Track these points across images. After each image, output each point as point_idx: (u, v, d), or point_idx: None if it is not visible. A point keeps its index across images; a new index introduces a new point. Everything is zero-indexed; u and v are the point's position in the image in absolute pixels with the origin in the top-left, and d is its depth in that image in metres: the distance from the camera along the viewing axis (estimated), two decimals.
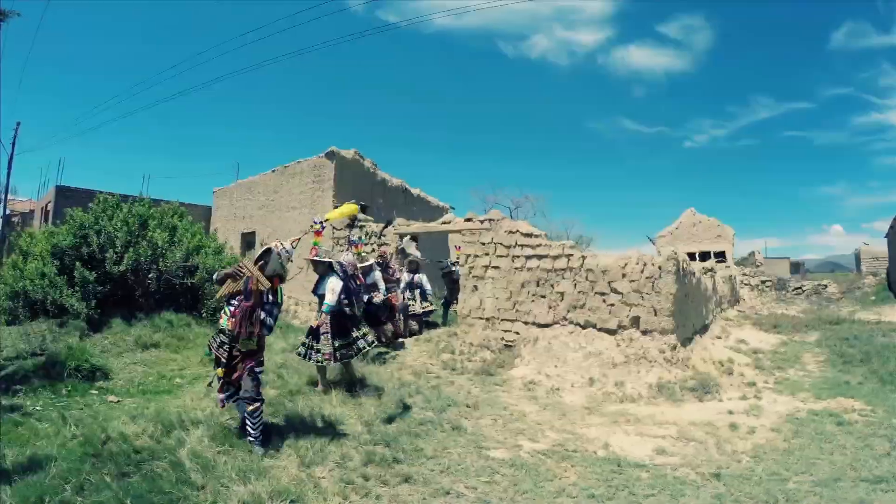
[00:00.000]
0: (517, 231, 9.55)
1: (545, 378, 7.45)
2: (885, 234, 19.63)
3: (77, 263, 6.80)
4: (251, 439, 3.91)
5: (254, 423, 3.93)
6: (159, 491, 3.13)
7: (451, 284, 10.54)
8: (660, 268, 8.03)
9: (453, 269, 10.50)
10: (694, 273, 9.89)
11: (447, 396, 6.06)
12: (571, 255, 8.89)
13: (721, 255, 19.76)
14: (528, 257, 9.27)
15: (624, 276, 8.30)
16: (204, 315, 8.02)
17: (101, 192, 8.01)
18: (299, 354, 5.68)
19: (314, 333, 5.55)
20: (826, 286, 18.44)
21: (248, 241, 14.71)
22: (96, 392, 5.46)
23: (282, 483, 3.36)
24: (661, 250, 21.90)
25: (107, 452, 3.54)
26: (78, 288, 6.77)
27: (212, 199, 17.03)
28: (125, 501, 2.94)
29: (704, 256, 18.99)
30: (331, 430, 4.49)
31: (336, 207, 12.08)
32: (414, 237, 11.16)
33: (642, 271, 8.18)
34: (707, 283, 11.52)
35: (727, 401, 6.39)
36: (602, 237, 51.86)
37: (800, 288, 18.70)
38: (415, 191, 14.24)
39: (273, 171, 13.86)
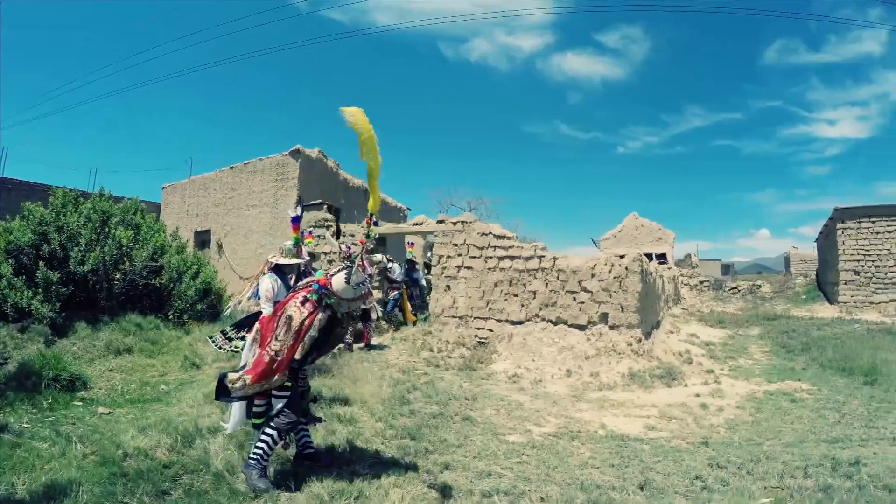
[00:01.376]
0: (490, 233, 10.26)
1: (525, 371, 8.18)
2: (815, 240, 22.34)
3: (40, 263, 6.67)
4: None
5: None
6: None
7: (389, 284, 10.46)
8: (626, 268, 9.04)
9: (389, 266, 10.37)
10: (652, 273, 11.10)
11: (444, 391, 6.55)
12: (543, 256, 9.72)
13: (662, 257, 21.71)
14: (501, 258, 10.00)
15: (593, 275, 9.24)
16: (171, 317, 8.03)
17: (56, 187, 7.75)
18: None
19: None
20: (760, 286, 20.81)
21: (201, 239, 14.25)
22: (80, 403, 5.23)
23: (338, 483, 3.45)
24: (605, 252, 23.61)
25: (134, 471, 3.42)
26: (40, 289, 6.65)
27: (160, 195, 16.44)
28: None
29: (647, 258, 20.80)
30: (352, 429, 4.68)
31: (299, 205, 12.21)
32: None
33: (610, 271, 9.15)
34: (658, 283, 12.86)
35: (692, 386, 7.42)
36: (545, 239, 53.88)
37: (735, 287, 20.97)
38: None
39: (231, 167, 13.60)
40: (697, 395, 6.76)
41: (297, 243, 4.96)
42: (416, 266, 11.45)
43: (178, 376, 6.54)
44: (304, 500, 3.28)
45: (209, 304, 8.77)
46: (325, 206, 11.20)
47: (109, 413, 5.06)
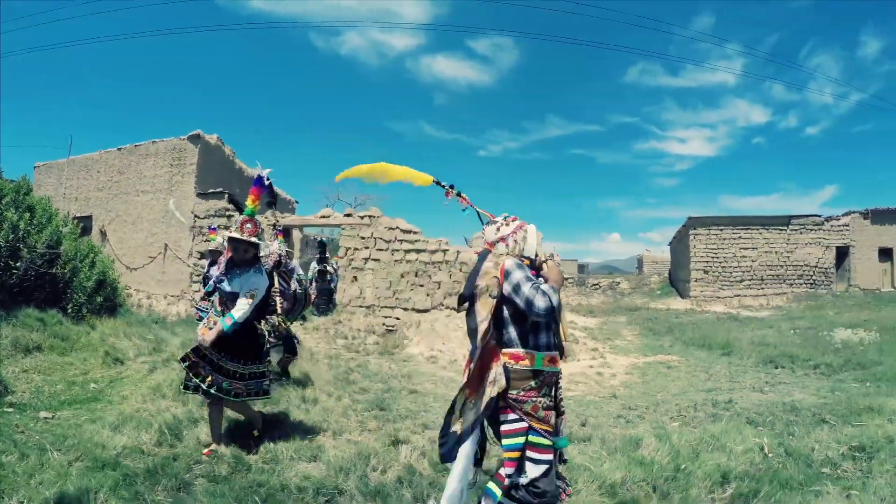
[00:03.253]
0: (396, 227, 11.05)
1: (439, 353, 9.15)
2: (669, 243, 26.57)
3: None
4: None
5: None
6: (257, 485, 3.22)
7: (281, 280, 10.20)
8: None
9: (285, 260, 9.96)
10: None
11: (379, 372, 7.17)
12: (447, 249, 10.79)
13: None
14: (407, 251, 10.86)
15: None
16: (70, 311, 7.61)
17: None
18: (187, 388, 3.86)
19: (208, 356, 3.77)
20: (619, 283, 24.20)
21: (81, 226, 12.86)
22: (11, 409, 4.63)
23: (352, 450, 3.79)
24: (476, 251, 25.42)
25: (143, 469, 3.27)
26: None
27: (31, 174, 14.18)
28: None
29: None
30: (320, 407, 5.04)
31: (201, 194, 11.76)
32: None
33: None
34: None
35: (583, 360, 9.00)
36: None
37: (597, 284, 24.13)
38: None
39: (119, 149, 12.33)
40: (591, 367, 8.30)
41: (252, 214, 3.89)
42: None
43: (103, 373, 6.11)
44: (338, 461, 3.47)
45: (106, 297, 8.42)
46: (227, 196, 11.08)
47: (53, 417, 4.59)
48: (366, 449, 3.88)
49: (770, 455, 3.75)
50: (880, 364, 7.77)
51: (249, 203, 3.92)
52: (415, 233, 10.89)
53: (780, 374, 7.68)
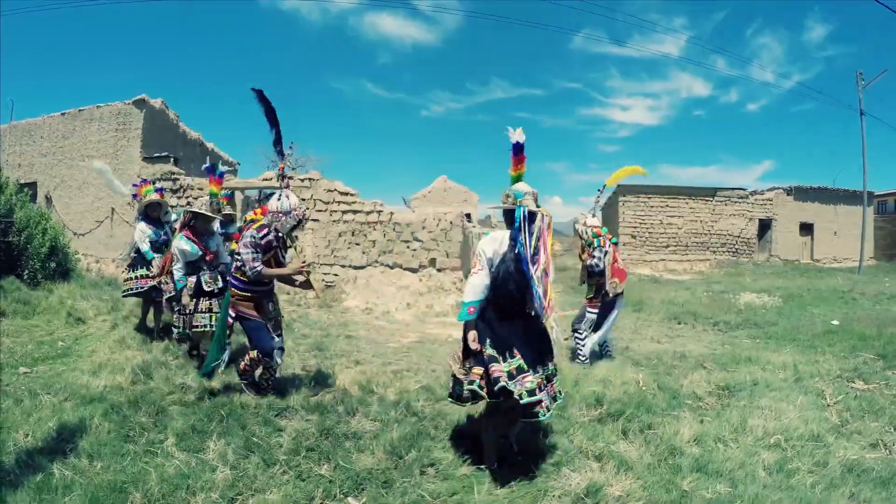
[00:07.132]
0: (335, 189, 11.73)
1: (374, 306, 10.13)
2: (602, 208, 27.94)
3: None
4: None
5: None
6: (220, 405, 3.80)
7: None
8: (451, 223, 11.46)
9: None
10: (468, 228, 13.82)
11: (318, 322, 8.06)
12: (381, 210, 11.62)
13: (468, 217, 25.16)
14: (345, 212, 11.61)
15: (424, 228, 11.47)
16: (26, 277, 7.71)
17: None
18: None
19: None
20: (553, 244, 25.61)
21: (27, 193, 12.68)
22: None
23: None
24: (415, 210, 26.22)
25: (127, 400, 3.84)
26: None
27: None
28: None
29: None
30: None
31: (146, 158, 11.85)
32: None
33: (438, 224, 11.48)
34: (470, 237, 15.73)
35: None
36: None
37: None
38: (209, 145, 14.47)
39: (63, 114, 12.08)
40: None
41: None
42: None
43: (68, 332, 6.49)
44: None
45: (58, 263, 8.69)
46: (173, 159, 11.33)
47: (32, 372, 4.92)
48: (307, 378, 4.63)
49: (644, 388, 4.42)
50: (775, 325, 8.26)
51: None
52: (352, 195, 11.61)
53: (681, 329, 8.32)
